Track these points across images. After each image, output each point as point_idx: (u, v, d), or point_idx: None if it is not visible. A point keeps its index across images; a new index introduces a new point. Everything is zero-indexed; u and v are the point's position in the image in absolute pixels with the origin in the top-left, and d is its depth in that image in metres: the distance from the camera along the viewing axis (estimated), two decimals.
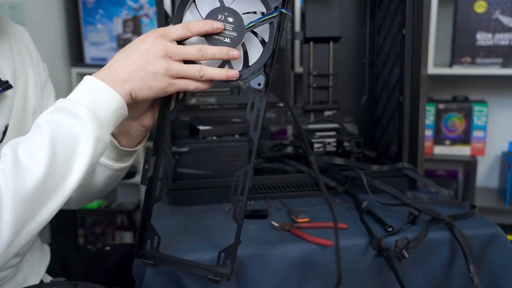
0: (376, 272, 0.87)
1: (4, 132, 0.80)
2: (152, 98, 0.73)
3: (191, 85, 0.71)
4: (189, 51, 0.70)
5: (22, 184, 0.59)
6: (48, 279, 0.95)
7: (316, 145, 1.22)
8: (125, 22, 2.00)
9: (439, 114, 1.85)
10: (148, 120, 0.80)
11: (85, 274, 1.03)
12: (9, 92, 0.81)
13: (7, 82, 0.80)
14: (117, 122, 0.70)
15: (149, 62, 0.69)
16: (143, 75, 0.69)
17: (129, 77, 0.69)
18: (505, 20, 1.70)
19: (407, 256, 0.82)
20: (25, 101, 0.86)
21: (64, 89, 2.07)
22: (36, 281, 0.88)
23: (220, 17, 0.72)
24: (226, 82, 0.73)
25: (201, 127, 1.12)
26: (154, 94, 0.71)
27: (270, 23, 0.71)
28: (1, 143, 0.80)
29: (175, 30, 0.70)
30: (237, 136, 1.13)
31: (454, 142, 1.86)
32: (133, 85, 0.70)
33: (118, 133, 0.81)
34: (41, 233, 0.93)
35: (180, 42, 0.72)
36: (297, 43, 1.76)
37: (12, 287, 0.83)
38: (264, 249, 0.84)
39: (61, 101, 0.67)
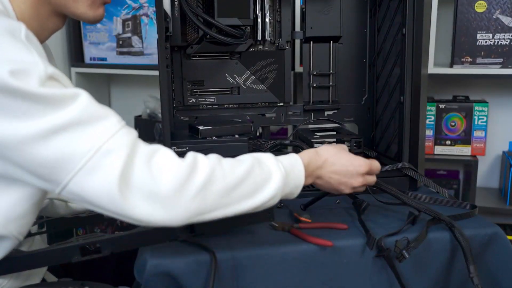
0: (376, 272, 0.87)
1: None
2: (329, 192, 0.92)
3: None
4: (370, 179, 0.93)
5: (213, 184, 0.70)
6: (50, 277, 0.95)
7: (316, 145, 1.22)
8: (124, 22, 2.00)
9: (439, 114, 1.85)
10: None
11: (85, 272, 1.03)
12: None
13: None
14: (288, 195, 0.81)
15: (352, 176, 0.89)
16: (341, 180, 0.88)
17: (329, 176, 0.87)
18: (505, 20, 1.70)
19: (407, 256, 0.82)
20: None
21: None
22: (38, 280, 0.88)
23: None
24: None
25: (201, 127, 1.12)
26: (334, 191, 0.91)
27: None
28: None
29: (376, 165, 0.93)
30: (237, 136, 1.13)
31: (454, 142, 1.85)
32: (325, 181, 0.88)
33: None
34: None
35: None
36: (297, 42, 1.76)
37: (16, 285, 0.83)
38: (263, 250, 0.83)
39: (267, 154, 0.80)
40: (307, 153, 0.86)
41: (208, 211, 0.70)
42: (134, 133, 0.70)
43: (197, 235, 0.80)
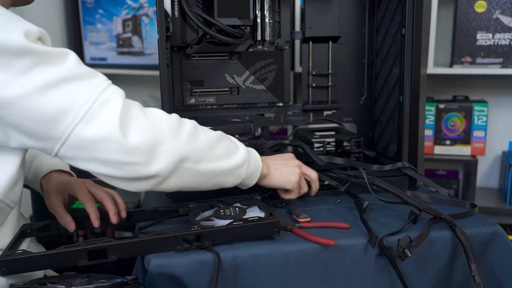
0: (378, 271, 0.87)
1: None
2: (282, 184, 0.95)
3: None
4: (313, 173, 1.00)
5: (197, 137, 0.79)
6: (51, 272, 0.95)
7: (316, 145, 1.22)
8: (124, 22, 2.00)
9: (439, 114, 1.85)
10: None
11: (86, 268, 1.02)
12: None
13: None
14: (248, 175, 0.88)
15: (290, 164, 0.97)
16: (285, 168, 0.95)
17: (275, 167, 0.95)
18: (505, 20, 1.70)
19: (410, 255, 0.82)
20: None
21: None
22: (40, 275, 0.89)
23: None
24: None
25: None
26: (286, 182, 0.95)
27: None
28: None
29: (307, 170, 1.00)
30: (237, 136, 1.13)
31: (454, 142, 1.86)
32: (273, 169, 0.94)
33: None
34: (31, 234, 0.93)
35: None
36: (297, 42, 1.76)
37: (19, 281, 0.83)
38: (265, 249, 0.83)
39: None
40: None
41: (197, 158, 0.78)
42: (121, 90, 0.74)
43: (204, 247, 0.81)
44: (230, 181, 0.85)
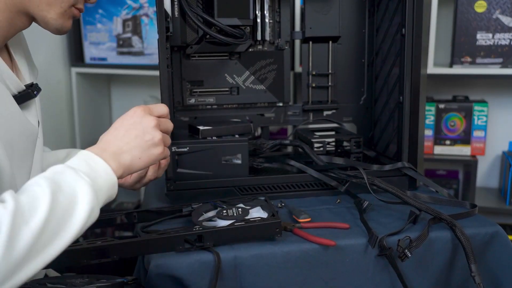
0: (378, 271, 0.87)
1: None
2: (147, 166, 0.80)
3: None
4: (170, 124, 0.84)
5: (19, 236, 0.58)
6: (51, 273, 0.95)
7: (316, 145, 1.22)
8: (124, 22, 2.00)
9: (439, 114, 1.85)
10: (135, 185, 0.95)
11: (86, 268, 1.03)
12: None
13: (37, 85, 0.86)
14: (106, 200, 0.72)
15: (145, 132, 0.77)
16: (142, 144, 0.76)
17: (129, 148, 0.75)
18: (505, 20, 1.70)
19: (410, 255, 0.82)
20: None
21: (63, 89, 2.07)
22: (41, 275, 0.89)
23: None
24: None
25: (201, 127, 1.12)
26: (152, 161, 0.78)
27: None
28: (38, 137, 0.88)
29: (157, 108, 0.82)
30: (237, 136, 1.13)
31: (454, 142, 1.86)
32: (133, 155, 0.76)
33: None
34: None
35: None
36: (297, 42, 1.76)
37: None
38: (266, 249, 0.84)
39: (60, 166, 0.68)
40: (89, 149, 0.74)
41: (16, 271, 0.58)
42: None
43: (206, 248, 0.81)
44: (89, 223, 0.68)
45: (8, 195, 0.60)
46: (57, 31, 0.85)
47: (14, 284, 0.58)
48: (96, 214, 0.68)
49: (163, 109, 0.83)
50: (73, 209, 0.64)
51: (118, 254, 0.78)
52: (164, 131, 0.81)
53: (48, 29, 0.85)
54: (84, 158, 0.71)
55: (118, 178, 0.73)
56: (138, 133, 0.77)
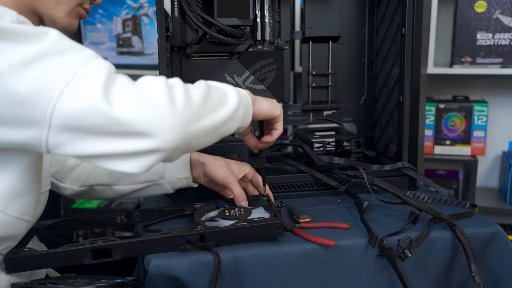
0: (378, 271, 0.87)
1: None
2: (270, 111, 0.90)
3: None
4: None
5: (191, 95, 0.71)
6: (52, 273, 0.95)
7: (316, 145, 1.22)
8: (124, 22, 2.00)
9: (439, 114, 1.85)
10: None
11: (86, 268, 1.03)
12: None
13: None
14: (243, 120, 0.82)
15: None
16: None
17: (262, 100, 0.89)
18: (505, 20, 1.70)
19: (410, 255, 0.82)
20: None
21: None
22: (42, 275, 0.89)
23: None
24: None
25: None
26: (275, 107, 0.91)
27: None
28: None
29: None
30: (237, 136, 1.13)
31: (454, 142, 1.86)
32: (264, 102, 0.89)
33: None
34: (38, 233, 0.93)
35: None
36: (297, 42, 1.76)
37: (22, 281, 0.83)
38: (266, 249, 0.83)
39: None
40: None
41: (198, 118, 0.70)
42: (110, 64, 0.68)
43: (207, 248, 0.81)
44: (232, 127, 0.80)
45: (175, 80, 0.72)
46: (64, 30, 0.85)
47: (198, 128, 0.70)
48: (241, 112, 0.79)
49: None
50: (225, 96, 0.78)
51: (120, 254, 0.78)
52: None
53: (55, 28, 0.85)
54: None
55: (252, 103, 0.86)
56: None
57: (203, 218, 0.91)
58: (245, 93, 0.84)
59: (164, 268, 0.79)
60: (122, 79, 0.67)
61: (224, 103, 0.77)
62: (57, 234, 0.95)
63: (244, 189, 1.02)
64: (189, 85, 0.74)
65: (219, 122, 0.75)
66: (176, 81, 0.71)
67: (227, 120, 0.76)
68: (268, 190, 1.01)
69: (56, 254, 0.77)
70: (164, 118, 0.65)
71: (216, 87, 0.79)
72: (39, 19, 0.85)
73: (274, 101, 0.91)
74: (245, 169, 1.02)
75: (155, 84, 0.67)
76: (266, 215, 0.89)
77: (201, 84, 0.76)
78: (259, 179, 1.02)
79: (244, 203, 0.95)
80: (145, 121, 0.63)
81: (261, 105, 0.88)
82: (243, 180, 1.02)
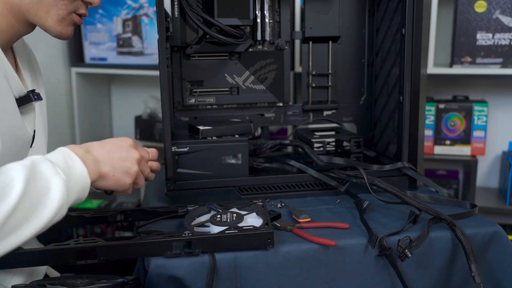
0: (378, 271, 0.87)
1: (33, 137, 0.88)
2: (111, 188, 0.79)
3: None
4: (147, 169, 0.86)
5: None
6: (52, 273, 0.95)
7: (316, 145, 1.22)
8: (124, 22, 2.00)
9: (439, 114, 1.85)
10: None
11: (86, 268, 1.03)
12: (37, 103, 0.88)
13: (38, 94, 0.88)
14: (76, 200, 0.72)
15: (127, 159, 0.79)
16: (120, 166, 0.78)
17: (109, 161, 0.77)
18: (505, 20, 1.70)
19: (410, 255, 0.82)
20: (41, 107, 0.94)
21: (63, 89, 2.07)
22: (41, 276, 0.89)
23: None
24: None
25: (201, 127, 1.12)
26: (119, 186, 0.79)
27: None
28: (32, 147, 0.88)
29: (145, 151, 0.86)
30: (237, 136, 1.13)
31: (454, 142, 1.86)
32: (110, 167, 0.77)
33: None
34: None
35: None
36: (297, 42, 1.76)
37: (20, 281, 0.84)
38: (266, 249, 0.83)
39: (39, 157, 0.68)
40: (71, 147, 0.75)
41: None
42: None
43: (195, 254, 0.80)
44: (56, 219, 0.68)
45: None
46: (57, 37, 0.86)
47: None
48: (64, 212, 0.68)
49: (151, 153, 0.88)
50: (44, 200, 0.65)
51: (104, 256, 0.77)
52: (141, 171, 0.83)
53: (50, 35, 0.86)
54: (63, 155, 0.72)
55: (91, 183, 0.74)
56: (121, 156, 0.79)
57: (193, 223, 0.89)
58: (81, 174, 0.72)
59: (164, 268, 0.79)
60: None
61: (37, 214, 0.64)
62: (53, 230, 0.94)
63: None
64: None
65: (23, 238, 0.64)
66: None
67: (45, 225, 0.66)
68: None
69: (40, 253, 0.76)
70: None
71: (35, 184, 0.65)
72: (32, 27, 0.86)
73: (132, 169, 0.80)
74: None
75: None
76: (259, 222, 0.88)
77: (17, 185, 0.62)
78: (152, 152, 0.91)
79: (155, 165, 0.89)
80: None
81: (103, 183, 0.78)
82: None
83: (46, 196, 0.65)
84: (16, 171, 0.63)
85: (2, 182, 0.62)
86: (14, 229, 0.62)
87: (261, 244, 0.82)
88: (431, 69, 1.74)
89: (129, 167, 0.79)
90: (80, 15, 0.88)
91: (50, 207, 0.65)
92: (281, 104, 1.31)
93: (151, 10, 1.96)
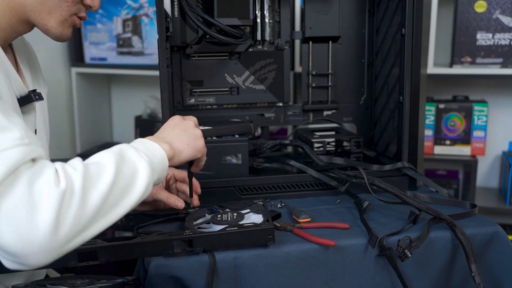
0: (378, 271, 0.87)
1: None
2: (194, 156, 0.87)
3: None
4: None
5: (88, 196, 0.64)
6: (52, 273, 0.95)
7: (316, 145, 1.22)
8: (124, 22, 2.00)
9: (439, 114, 1.85)
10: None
11: (86, 268, 1.03)
12: (38, 103, 0.88)
13: (40, 93, 0.88)
14: (158, 179, 0.78)
15: (188, 127, 0.88)
16: (188, 135, 0.87)
17: (177, 137, 0.85)
18: (505, 20, 1.70)
19: (410, 255, 0.82)
20: (43, 108, 0.94)
21: (63, 89, 2.07)
22: (42, 276, 0.89)
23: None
24: None
25: (201, 127, 1.11)
26: (197, 151, 0.87)
27: None
28: None
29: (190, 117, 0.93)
30: (237, 136, 1.13)
31: (454, 142, 1.85)
32: (182, 141, 0.85)
33: None
34: None
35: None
36: (297, 42, 1.76)
37: (21, 281, 0.84)
38: (266, 249, 0.83)
39: (125, 145, 0.75)
40: (144, 139, 0.81)
41: (85, 228, 0.63)
42: (29, 153, 0.61)
43: (195, 253, 0.80)
44: (145, 195, 0.73)
45: (77, 161, 0.66)
46: (57, 39, 0.87)
47: (82, 240, 0.63)
48: (150, 189, 0.74)
49: (193, 118, 0.93)
50: (134, 181, 0.71)
51: (106, 257, 0.77)
52: None
53: (48, 36, 0.87)
54: (141, 142, 0.79)
55: (169, 161, 0.80)
56: (183, 128, 0.87)
57: (194, 223, 0.90)
58: (159, 155, 0.78)
59: (164, 268, 0.79)
60: (15, 193, 0.58)
61: (131, 190, 0.70)
62: None
63: (171, 190, 1.01)
64: (93, 170, 0.66)
65: (121, 213, 0.69)
66: (77, 184, 0.63)
67: (134, 203, 0.70)
68: (195, 199, 0.98)
69: None
70: (37, 245, 0.58)
71: (126, 166, 0.71)
72: (31, 27, 0.86)
73: (197, 132, 0.88)
74: None
75: (49, 196, 0.59)
76: (260, 220, 0.88)
77: (111, 165, 0.68)
78: (182, 173, 1.00)
79: (179, 203, 0.94)
80: (16, 246, 0.58)
81: (182, 155, 0.85)
82: (168, 183, 1.02)
83: (136, 177, 0.71)
84: (106, 157, 0.70)
85: (97, 166, 0.67)
86: (112, 206, 0.67)
87: (262, 240, 0.82)
88: (431, 69, 1.74)
89: (194, 133, 0.87)
90: (80, 18, 0.88)
91: (140, 185, 0.71)
92: (281, 104, 1.31)
93: (151, 10, 1.96)
